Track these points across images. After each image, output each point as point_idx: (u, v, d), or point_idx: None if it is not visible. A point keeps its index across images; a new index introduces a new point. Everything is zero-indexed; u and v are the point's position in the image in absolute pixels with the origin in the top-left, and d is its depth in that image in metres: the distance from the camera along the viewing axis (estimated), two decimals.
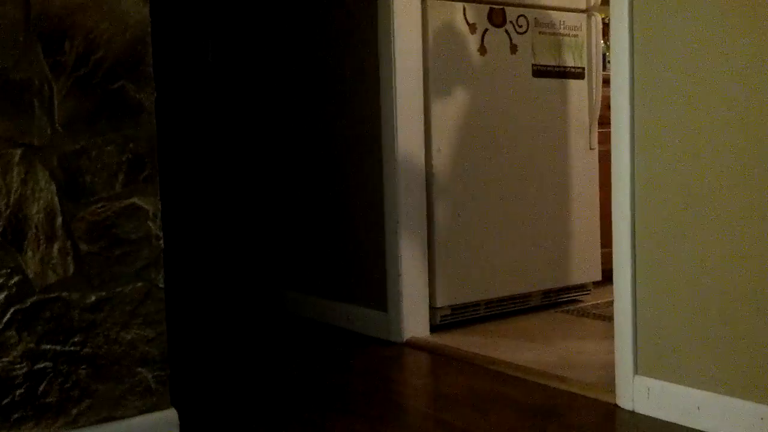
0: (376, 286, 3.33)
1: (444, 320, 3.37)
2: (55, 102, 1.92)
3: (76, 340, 1.99)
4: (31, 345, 1.93)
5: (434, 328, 3.33)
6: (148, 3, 2.04)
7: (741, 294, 2.08)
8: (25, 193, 1.89)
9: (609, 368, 2.53)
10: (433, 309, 3.33)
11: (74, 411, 1.99)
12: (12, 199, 1.88)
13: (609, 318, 3.41)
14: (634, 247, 2.34)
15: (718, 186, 2.12)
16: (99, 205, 2.01)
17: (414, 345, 3.18)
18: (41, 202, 1.92)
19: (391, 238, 3.23)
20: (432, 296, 3.32)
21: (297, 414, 2.46)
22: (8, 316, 1.89)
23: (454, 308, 3.41)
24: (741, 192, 2.07)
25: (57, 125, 1.93)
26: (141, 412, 2.08)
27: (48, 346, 1.95)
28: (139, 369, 2.08)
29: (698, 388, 2.19)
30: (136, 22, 2.02)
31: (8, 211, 1.87)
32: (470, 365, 2.90)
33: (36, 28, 1.88)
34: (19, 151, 1.88)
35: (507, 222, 3.53)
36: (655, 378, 2.30)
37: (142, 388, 2.09)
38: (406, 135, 3.20)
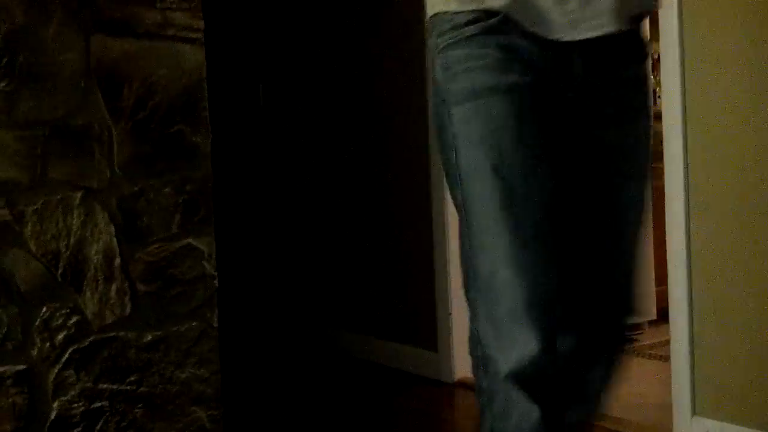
0: (426, 326, 3.32)
1: None
2: (114, 146, 1.97)
3: (132, 379, 2.01)
4: (89, 384, 1.96)
5: None
6: (203, 49, 2.09)
7: None
8: (85, 234, 1.94)
9: (666, 409, 2.48)
10: None
11: None
12: (72, 241, 1.92)
13: (664, 358, 3.34)
14: (690, 286, 2.30)
15: None
16: (156, 246, 2.04)
17: (465, 385, 3.16)
18: (100, 243, 1.96)
19: (440, 276, 3.23)
20: None
21: None
22: (67, 355, 1.92)
23: None
24: None
25: (116, 168, 1.98)
26: None
27: (105, 386, 1.98)
28: (194, 408, 2.10)
29: (758, 429, 2.13)
30: (191, 68, 2.07)
31: (68, 252, 1.92)
32: None
33: (96, 74, 1.94)
34: (79, 194, 1.93)
35: None
36: (714, 419, 2.25)
37: (196, 427, 2.10)
38: None
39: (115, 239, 1.98)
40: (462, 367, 3.22)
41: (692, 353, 2.30)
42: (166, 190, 2.05)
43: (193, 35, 2.05)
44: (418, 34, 3.24)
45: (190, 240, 2.10)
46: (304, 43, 4.14)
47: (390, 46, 3.50)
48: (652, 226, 3.79)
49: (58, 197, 1.90)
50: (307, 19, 4.10)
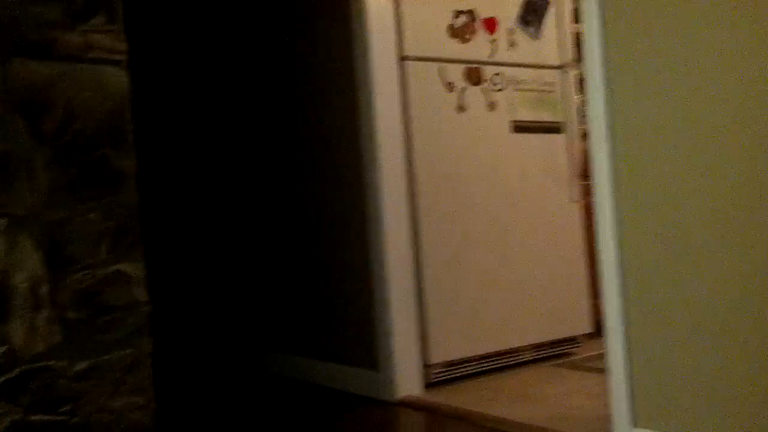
0: (366, 345, 3.32)
1: (437, 377, 3.36)
2: (38, 172, 1.94)
3: (64, 409, 1.97)
4: (19, 416, 1.91)
5: (428, 386, 3.31)
6: (127, 72, 2.08)
7: (738, 342, 2.08)
8: (10, 262, 1.90)
9: (605, 421, 2.51)
10: (426, 366, 3.31)
11: None
12: None
13: (601, 370, 3.39)
14: (623, 296, 2.34)
15: (704, 232, 2.14)
16: (84, 273, 2.01)
17: (408, 404, 3.16)
18: (26, 271, 1.93)
19: (379, 296, 3.23)
20: (425, 353, 3.31)
21: None
22: None
23: (447, 365, 3.39)
24: (727, 238, 2.09)
25: (40, 194, 1.95)
26: None
27: (36, 417, 1.93)
28: None
29: None
30: (116, 91, 2.05)
31: None
32: (466, 423, 2.88)
33: (16, 99, 1.91)
34: (3, 222, 1.89)
35: (495, 277, 3.54)
36: (654, 430, 2.27)
37: None
38: (391, 193, 3.22)
39: (41, 266, 1.95)
40: (404, 386, 3.22)
41: (630, 363, 2.33)
42: (93, 215, 2.03)
43: (117, 57, 2.04)
44: (346, 33, 3.28)
45: (119, 266, 2.07)
46: (230, 51, 4.14)
47: (319, 47, 3.52)
48: (582, 240, 3.89)
49: None
50: (232, 26, 4.11)
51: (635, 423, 2.32)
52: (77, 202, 2.00)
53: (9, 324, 1.90)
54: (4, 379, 1.89)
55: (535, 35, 3.77)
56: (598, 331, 3.82)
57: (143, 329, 2.11)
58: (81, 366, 2.00)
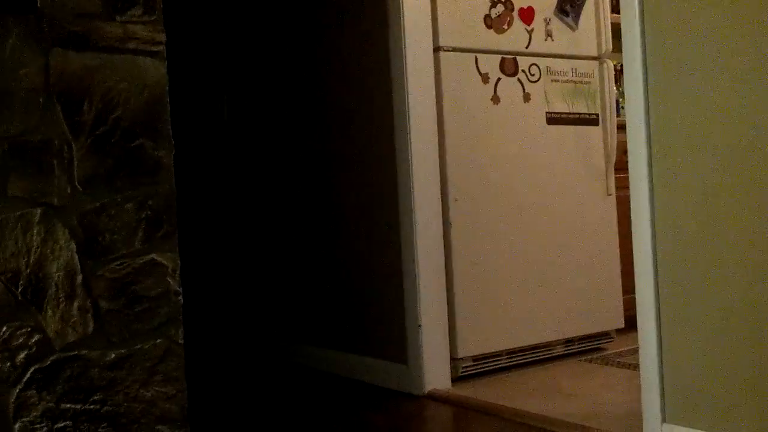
0: (395, 338, 3.31)
1: (465, 371, 3.34)
2: (75, 161, 1.95)
3: (95, 398, 1.98)
4: (51, 404, 1.92)
5: (455, 380, 3.29)
6: (165, 63, 2.07)
7: None
8: (45, 252, 1.91)
9: (635, 417, 2.48)
10: (454, 360, 3.30)
11: None
12: (32, 259, 1.89)
13: (633, 366, 3.36)
14: (657, 292, 2.31)
15: (740, 229, 2.10)
16: (118, 263, 2.01)
17: (435, 398, 3.15)
18: (61, 260, 1.93)
19: (409, 288, 3.22)
20: (453, 347, 3.29)
21: None
22: (28, 375, 1.89)
23: (476, 359, 3.38)
24: (764, 235, 2.05)
25: (76, 184, 1.95)
26: None
27: (68, 405, 1.94)
28: (160, 427, 2.07)
29: None
30: (153, 82, 2.05)
31: (28, 271, 1.88)
32: (494, 417, 2.87)
33: (55, 89, 1.91)
34: (39, 211, 1.90)
35: (526, 270, 3.51)
36: (684, 426, 2.25)
37: None
38: (422, 186, 3.20)
39: (76, 256, 1.95)
40: (432, 379, 3.21)
41: (661, 360, 2.31)
42: (129, 205, 2.03)
43: (155, 48, 2.03)
44: (381, 22, 3.25)
45: (153, 256, 2.07)
46: (267, 52, 4.13)
47: (353, 52, 3.50)
48: (616, 234, 3.83)
49: (18, 214, 1.87)
50: (269, 29, 4.09)
51: (665, 419, 2.30)
52: (113, 192, 2.00)
53: (43, 313, 1.91)
54: (36, 367, 1.90)
55: (573, 25, 3.72)
56: (629, 326, 3.78)
57: (176, 319, 2.12)
58: (113, 355, 2.01)
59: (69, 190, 1.94)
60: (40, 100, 1.89)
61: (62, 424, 1.93)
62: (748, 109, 2.06)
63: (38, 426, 1.90)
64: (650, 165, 2.32)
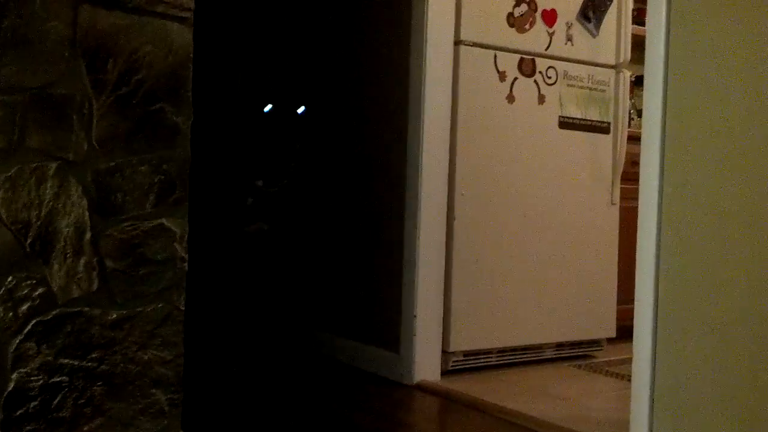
0: (390, 327, 3.32)
1: (455, 365, 3.36)
2: (94, 119, 1.95)
3: (94, 356, 1.98)
4: (49, 358, 1.92)
5: (445, 373, 3.31)
6: (191, 29, 2.07)
7: (764, 360, 2.06)
8: (57, 206, 1.91)
9: (621, 426, 2.50)
10: (445, 353, 3.31)
11: (86, 428, 1.98)
12: (43, 212, 1.89)
13: (621, 376, 3.38)
14: (656, 306, 2.32)
15: (745, 250, 2.11)
16: (128, 224, 2.02)
17: (424, 388, 3.16)
18: (72, 216, 1.93)
19: (408, 278, 3.23)
20: (445, 340, 3.30)
21: None
22: (29, 327, 1.89)
23: (467, 354, 3.39)
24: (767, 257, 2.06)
25: (93, 142, 1.95)
26: None
27: (65, 361, 1.94)
28: (154, 390, 2.07)
29: None
30: (179, 47, 2.05)
31: (38, 223, 1.88)
32: (480, 413, 2.88)
33: (81, 45, 1.91)
34: (54, 165, 1.90)
35: (525, 271, 3.52)
36: None
37: (155, 410, 2.08)
38: (430, 176, 3.21)
39: (87, 213, 1.95)
40: (422, 369, 3.22)
41: (653, 374, 2.32)
42: (143, 168, 2.03)
43: (184, 14, 2.02)
44: (404, 12, 3.25)
45: (163, 220, 2.07)
46: (289, 35, 4.12)
47: (374, 24, 3.49)
48: (617, 244, 3.85)
49: (33, 166, 1.86)
50: (290, 12, 4.09)
51: (652, 430, 2.31)
52: (129, 153, 2.00)
53: (49, 267, 1.91)
54: (38, 320, 1.91)
55: (594, 32, 3.72)
56: (620, 336, 3.80)
57: (179, 285, 2.12)
58: (115, 315, 2.01)
59: (86, 147, 1.94)
60: (66, 54, 1.89)
61: (58, 379, 1.93)
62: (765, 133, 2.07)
63: (34, 378, 1.90)
64: (660, 176, 2.32)
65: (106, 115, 1.96)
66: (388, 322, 3.32)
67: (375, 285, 3.43)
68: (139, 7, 1.97)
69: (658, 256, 2.32)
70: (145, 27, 1.99)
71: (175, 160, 2.07)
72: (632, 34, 3.87)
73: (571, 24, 3.64)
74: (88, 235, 1.96)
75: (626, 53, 3.81)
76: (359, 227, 3.55)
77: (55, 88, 1.89)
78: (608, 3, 3.75)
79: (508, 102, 3.46)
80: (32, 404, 1.90)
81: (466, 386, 3.18)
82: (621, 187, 3.84)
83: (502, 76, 3.44)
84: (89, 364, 1.98)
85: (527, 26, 3.49)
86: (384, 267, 3.37)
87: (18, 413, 1.88)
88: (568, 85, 3.64)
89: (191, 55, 2.07)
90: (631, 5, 3.87)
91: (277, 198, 4.12)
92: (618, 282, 3.83)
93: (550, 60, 3.57)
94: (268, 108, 4.24)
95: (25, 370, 1.89)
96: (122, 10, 1.95)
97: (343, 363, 3.54)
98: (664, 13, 2.30)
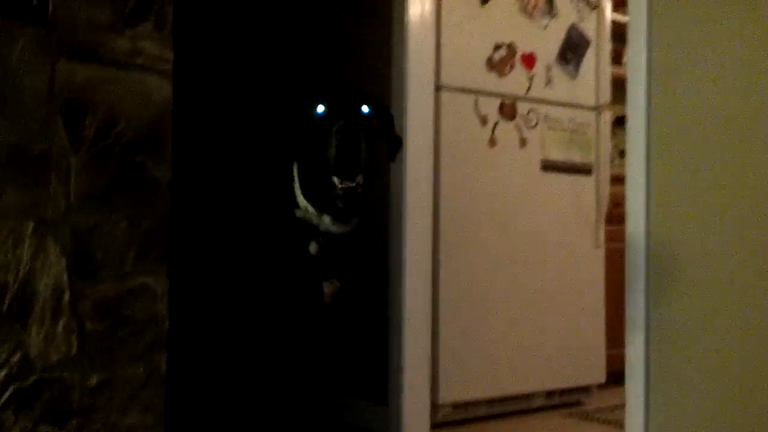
0: (377, 379, 3.24)
1: (445, 418, 3.28)
2: (72, 175, 1.88)
3: (74, 422, 1.90)
4: (28, 426, 1.83)
5: (435, 426, 3.22)
6: (171, 81, 2.02)
7: (763, 405, 2.02)
8: (35, 267, 1.83)
9: None
10: (434, 406, 3.23)
11: None
12: (21, 273, 1.81)
13: (613, 422, 3.31)
14: (647, 352, 2.27)
15: (732, 293, 2.07)
16: (107, 284, 1.94)
17: None
18: (50, 277, 1.86)
19: (394, 331, 3.15)
20: (434, 392, 3.22)
21: None
22: (7, 395, 1.80)
23: (456, 406, 3.31)
24: (759, 306, 2.02)
25: (72, 199, 1.88)
26: None
27: (45, 429, 1.86)
28: None
29: None
30: (158, 100, 2.00)
31: (16, 286, 1.81)
32: None
33: (58, 99, 1.85)
34: (31, 224, 1.83)
35: (512, 319, 3.46)
36: None
37: None
38: (414, 224, 3.15)
39: (65, 274, 1.88)
40: (411, 421, 3.14)
41: (647, 423, 2.26)
42: (122, 224, 1.96)
43: (162, 66, 1.98)
44: (384, 57, 3.22)
45: (143, 279, 2.01)
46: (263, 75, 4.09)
47: (355, 67, 3.46)
48: (603, 287, 3.79)
49: (10, 226, 1.79)
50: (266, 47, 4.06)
51: None
52: (108, 209, 1.94)
53: (27, 331, 1.83)
54: (16, 387, 1.82)
55: (573, 74, 3.72)
56: (610, 381, 3.74)
57: (160, 345, 2.05)
58: (95, 380, 1.93)
59: (64, 204, 1.87)
60: (43, 110, 1.83)
61: None
62: (751, 167, 2.04)
63: None
64: (648, 221, 2.28)
65: (84, 171, 1.90)
66: (376, 374, 3.24)
67: (364, 338, 3.35)
68: (118, 61, 1.92)
69: (647, 306, 2.27)
70: (123, 80, 1.94)
71: (155, 216, 2.01)
72: (612, 74, 3.87)
73: (551, 67, 3.63)
74: (66, 297, 1.88)
75: (606, 94, 3.81)
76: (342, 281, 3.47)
77: (33, 145, 1.82)
78: (585, 45, 3.75)
79: (490, 146, 3.43)
80: None
81: None
82: (606, 229, 3.81)
83: (483, 119, 3.41)
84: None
85: (507, 70, 3.48)
86: (370, 321, 3.30)
87: None
88: (549, 127, 3.62)
89: (170, 108, 2.01)
90: (609, 46, 3.87)
91: None
92: (606, 326, 3.78)
93: (530, 103, 3.55)
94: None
95: None
96: (100, 63, 1.90)
97: (332, 419, 3.44)
98: (644, 59, 2.29)
